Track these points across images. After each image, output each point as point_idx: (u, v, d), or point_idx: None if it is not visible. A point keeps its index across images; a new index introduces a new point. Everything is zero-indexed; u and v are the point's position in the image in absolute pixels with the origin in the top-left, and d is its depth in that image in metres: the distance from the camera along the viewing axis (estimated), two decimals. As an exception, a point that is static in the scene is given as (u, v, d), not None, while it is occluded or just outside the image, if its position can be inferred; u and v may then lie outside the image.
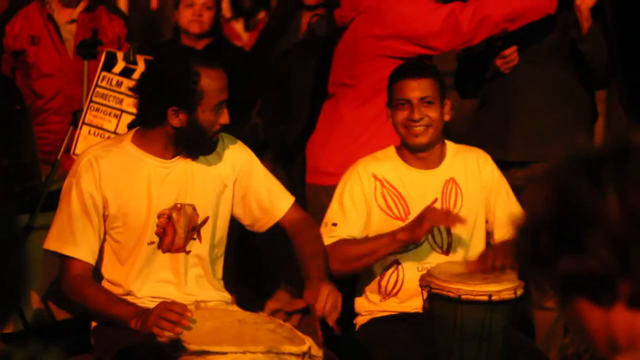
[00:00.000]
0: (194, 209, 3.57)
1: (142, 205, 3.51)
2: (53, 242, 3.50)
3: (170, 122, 3.44)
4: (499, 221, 3.88)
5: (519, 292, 3.51)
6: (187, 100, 3.41)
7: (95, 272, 3.55)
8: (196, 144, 3.53)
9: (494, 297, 3.45)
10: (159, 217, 3.52)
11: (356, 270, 3.79)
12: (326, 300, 3.46)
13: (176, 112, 3.42)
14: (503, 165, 4.14)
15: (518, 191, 4.13)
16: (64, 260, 3.49)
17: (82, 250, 3.47)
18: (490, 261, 3.61)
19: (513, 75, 4.54)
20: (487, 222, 3.92)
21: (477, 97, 4.70)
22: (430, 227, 3.68)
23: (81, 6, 5.04)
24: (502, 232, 3.86)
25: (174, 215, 3.53)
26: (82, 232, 3.47)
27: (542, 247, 1.58)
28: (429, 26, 4.36)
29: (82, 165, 3.50)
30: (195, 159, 3.59)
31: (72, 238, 3.47)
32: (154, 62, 3.62)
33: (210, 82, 3.43)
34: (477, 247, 3.87)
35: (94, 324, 3.58)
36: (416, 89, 3.79)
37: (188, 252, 3.57)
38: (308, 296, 3.48)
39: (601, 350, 1.59)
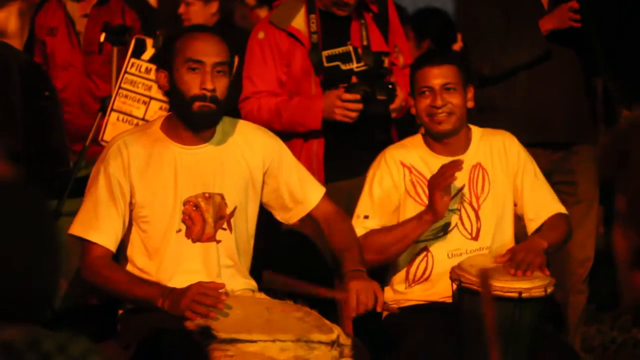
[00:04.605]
0: (223, 198, 3.55)
1: (168, 193, 3.49)
2: (77, 227, 3.50)
3: (160, 84, 3.47)
4: (527, 202, 3.85)
5: (549, 290, 3.49)
6: (165, 55, 3.47)
7: (129, 261, 3.55)
8: (180, 110, 3.48)
9: (524, 295, 3.44)
10: (184, 204, 3.50)
11: (390, 258, 3.77)
12: (357, 299, 3.45)
13: (158, 71, 3.48)
14: (541, 146, 4.10)
15: (549, 173, 4.10)
16: (85, 244, 3.48)
17: (104, 236, 3.45)
18: (520, 256, 3.57)
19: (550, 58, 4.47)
20: (515, 205, 3.88)
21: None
22: (441, 195, 3.62)
23: None
24: (532, 213, 3.84)
25: (202, 204, 3.51)
26: (107, 218, 3.46)
27: None
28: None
29: (111, 151, 3.50)
30: (212, 137, 3.55)
31: (96, 223, 3.46)
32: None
33: (189, 40, 3.46)
34: (506, 231, 3.86)
35: (120, 311, 3.58)
36: (438, 75, 3.79)
37: (219, 242, 3.55)
38: (340, 293, 3.48)
39: None
